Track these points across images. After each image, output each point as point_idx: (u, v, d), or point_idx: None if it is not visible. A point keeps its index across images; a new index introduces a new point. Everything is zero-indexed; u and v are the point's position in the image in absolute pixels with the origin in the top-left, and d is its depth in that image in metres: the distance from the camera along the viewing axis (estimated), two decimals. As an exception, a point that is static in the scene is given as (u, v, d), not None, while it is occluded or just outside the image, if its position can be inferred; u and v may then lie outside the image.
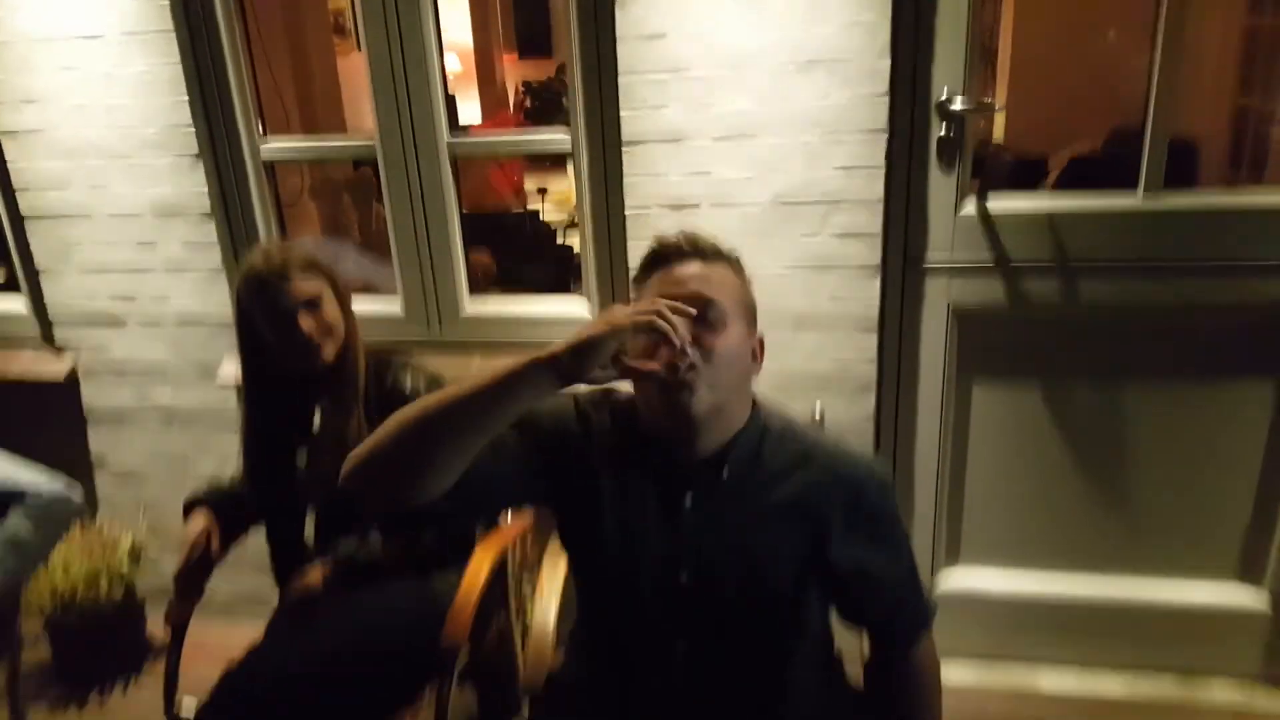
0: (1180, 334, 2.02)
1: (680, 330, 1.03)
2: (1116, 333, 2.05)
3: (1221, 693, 2.16)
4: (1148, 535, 2.16)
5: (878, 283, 2.04)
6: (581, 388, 1.18)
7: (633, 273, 2.07)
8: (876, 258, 2.02)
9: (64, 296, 2.50)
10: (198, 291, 2.43)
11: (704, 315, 1.10)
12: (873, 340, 2.09)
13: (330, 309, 1.66)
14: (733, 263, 1.21)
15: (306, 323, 1.61)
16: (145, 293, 2.46)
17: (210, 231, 2.37)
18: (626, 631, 1.23)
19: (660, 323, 1.01)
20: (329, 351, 1.65)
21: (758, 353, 1.20)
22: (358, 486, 1.08)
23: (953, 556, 2.29)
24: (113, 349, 2.53)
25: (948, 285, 2.09)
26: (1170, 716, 2.11)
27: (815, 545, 1.16)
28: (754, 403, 1.22)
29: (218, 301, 2.42)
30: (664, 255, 1.17)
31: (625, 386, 1.19)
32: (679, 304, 1.05)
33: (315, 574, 1.66)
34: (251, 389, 1.75)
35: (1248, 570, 2.15)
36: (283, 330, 1.62)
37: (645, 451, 1.18)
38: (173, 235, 2.39)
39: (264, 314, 1.62)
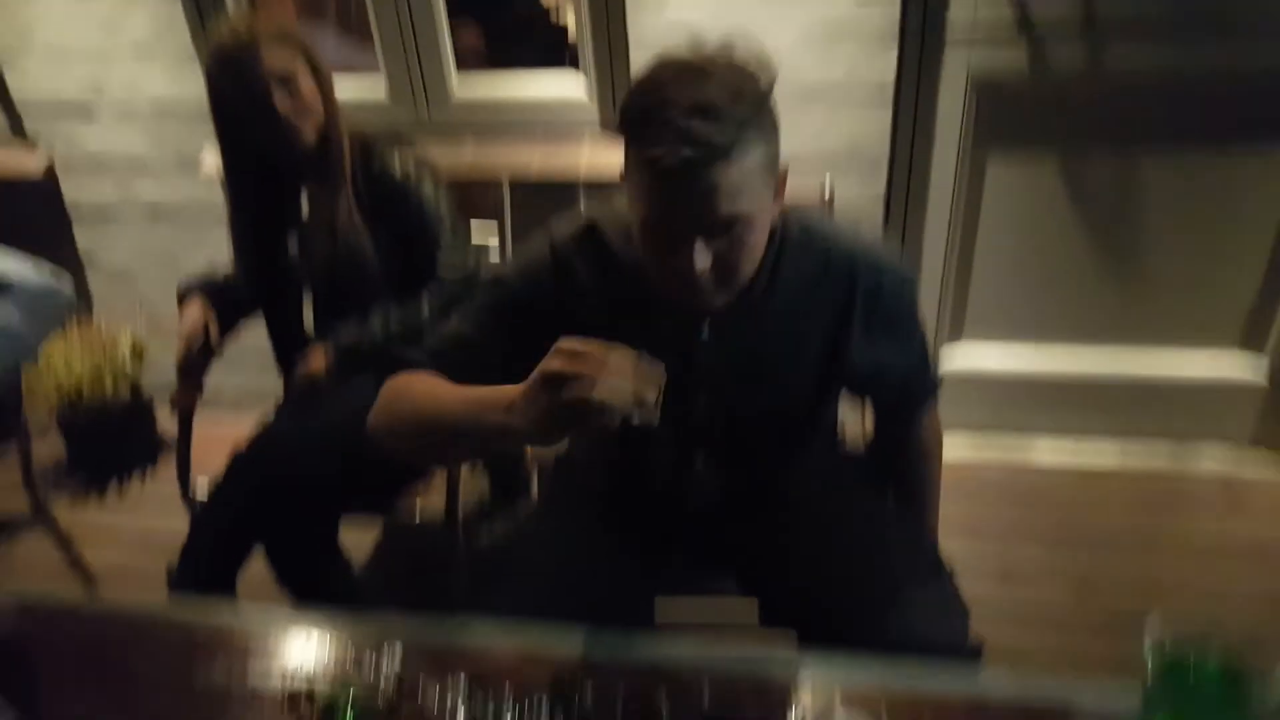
0: (1203, 101, 1.94)
1: (651, 395, 0.86)
2: (1138, 101, 1.96)
3: (1212, 460, 2.24)
4: (1154, 305, 2.18)
5: (894, 53, 1.93)
6: (558, 226, 1.12)
7: (633, 51, 2.01)
8: (895, 25, 1.90)
9: (30, 85, 2.35)
10: (170, 77, 2.29)
11: (724, 231, 0.94)
12: (887, 115, 2.00)
13: (306, 85, 1.54)
14: (758, 110, 0.92)
15: (282, 101, 1.50)
16: (114, 80, 2.31)
17: (177, 11, 2.20)
18: (637, 443, 1.15)
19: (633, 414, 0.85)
20: (308, 131, 1.54)
21: (780, 191, 1.02)
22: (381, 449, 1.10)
23: (956, 332, 2.32)
24: (88, 142, 2.42)
25: (967, 55, 1.98)
26: (1161, 484, 2.20)
27: (835, 352, 1.12)
28: None
29: (192, 88, 2.27)
30: (658, 159, 0.90)
31: (618, 203, 1.06)
32: (645, 375, 0.86)
33: (317, 358, 1.64)
34: (233, 176, 1.67)
35: (1251, 338, 2.18)
36: (257, 109, 1.51)
37: (650, 295, 1.04)
38: (137, 16, 2.22)
39: (236, 92, 1.51)
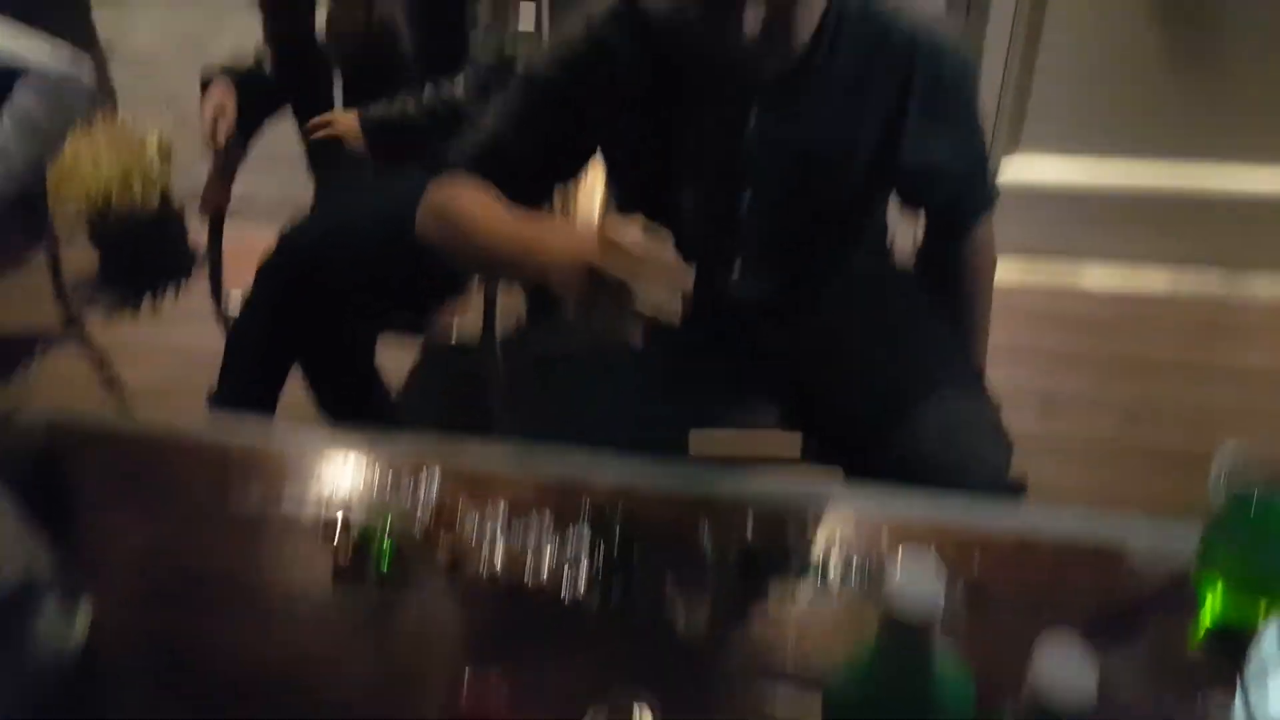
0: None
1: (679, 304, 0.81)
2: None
3: (1266, 287, 2.12)
4: (1224, 115, 2.00)
5: None
6: (594, 4, 1.02)
7: None
8: None
9: None
10: None
11: None
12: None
13: None
14: None
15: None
16: None
17: None
18: (677, 247, 1.13)
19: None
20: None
21: None
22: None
23: (1013, 143, 2.16)
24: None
25: None
26: (1211, 310, 2.10)
27: (889, 140, 1.05)
28: None
29: None
30: None
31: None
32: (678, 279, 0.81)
33: (348, 120, 1.58)
34: None
35: None
36: None
37: (695, 69, 0.99)
38: None
39: None
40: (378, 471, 0.96)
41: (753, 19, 0.87)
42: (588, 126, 1.07)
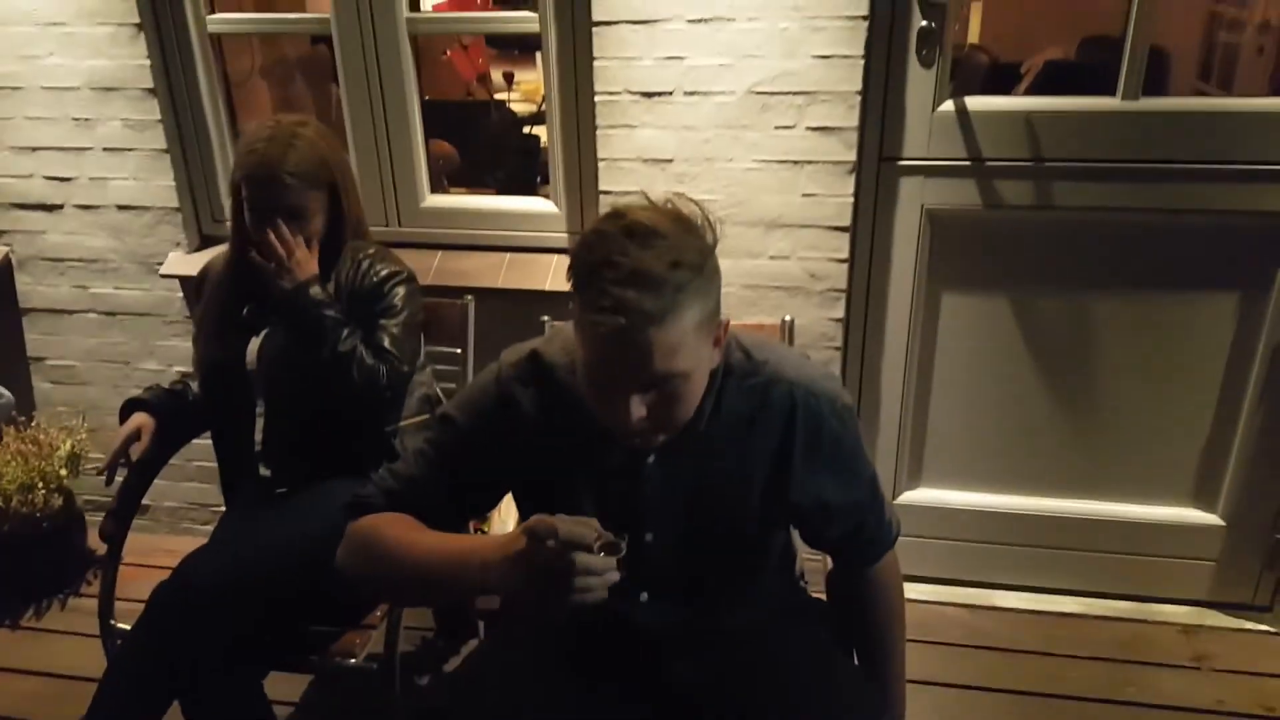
0: (1150, 240, 2.02)
1: (607, 575, 0.90)
2: (1087, 238, 2.04)
3: (1174, 616, 2.21)
4: (1106, 456, 2.19)
5: (853, 180, 1.99)
6: (506, 356, 1.16)
7: (602, 165, 2.06)
8: (852, 154, 1.97)
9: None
10: (140, 174, 2.29)
11: (660, 385, 0.97)
12: (845, 241, 2.05)
13: (315, 223, 1.61)
14: (698, 273, 0.95)
15: (281, 233, 1.56)
16: (83, 174, 2.32)
17: (153, 108, 2.23)
18: None
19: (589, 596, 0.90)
20: (301, 259, 1.58)
21: (721, 340, 1.05)
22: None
23: (914, 479, 2.31)
24: (49, 236, 2.39)
25: (922, 186, 2.05)
26: (1122, 630, 2.17)
27: (778, 485, 1.12)
28: None
29: (160, 186, 2.29)
30: (594, 323, 0.93)
31: (565, 329, 1.10)
32: (604, 544, 0.91)
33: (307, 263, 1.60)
34: (234, 256, 1.67)
35: (1201, 496, 2.19)
36: (258, 227, 1.57)
37: (595, 429, 1.05)
38: (112, 112, 2.24)
39: (248, 202, 1.57)
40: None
41: (637, 409, 0.96)
42: (496, 468, 1.14)
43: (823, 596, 1.38)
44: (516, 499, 1.21)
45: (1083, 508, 2.24)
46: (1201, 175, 1.94)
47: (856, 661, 1.29)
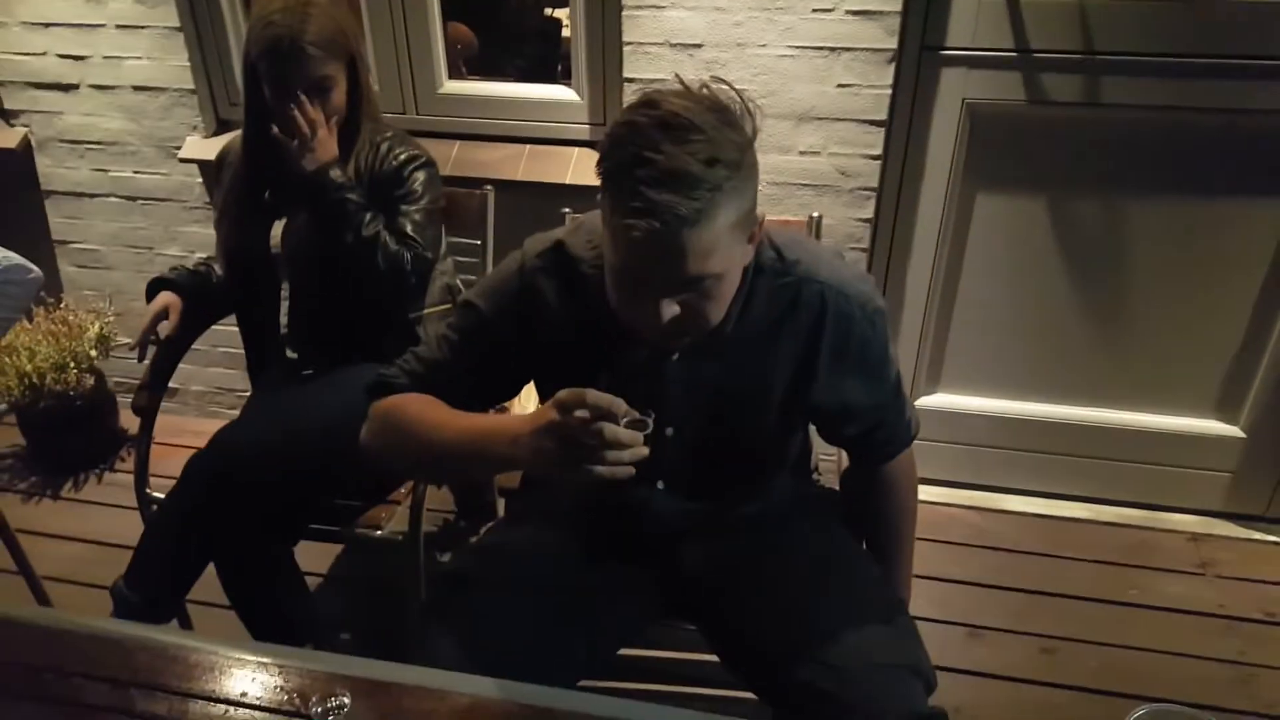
0: (1199, 144, 1.92)
1: (634, 448, 0.88)
2: (1133, 139, 1.95)
3: (1183, 525, 2.23)
4: (1134, 365, 2.15)
5: (892, 70, 1.90)
6: (529, 246, 1.13)
7: (627, 50, 1.98)
8: (893, 41, 1.87)
9: (8, 52, 2.29)
10: (154, 53, 2.23)
11: (692, 287, 0.94)
12: (879, 136, 1.97)
13: (338, 94, 1.55)
14: (735, 170, 0.90)
15: (306, 110, 1.50)
16: (96, 52, 2.26)
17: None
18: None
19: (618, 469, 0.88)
20: (323, 138, 1.53)
21: (756, 236, 1.01)
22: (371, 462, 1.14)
23: (933, 384, 2.30)
24: (67, 117, 2.36)
25: (965, 78, 1.95)
26: (1130, 536, 2.20)
27: (802, 385, 1.11)
28: None
29: (174, 66, 2.24)
30: (627, 226, 0.89)
31: (589, 219, 1.06)
32: (631, 420, 0.88)
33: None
34: (249, 145, 1.63)
35: (1224, 407, 2.17)
36: (280, 103, 1.51)
37: (618, 327, 1.02)
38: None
39: (267, 79, 1.52)
40: (287, 685, 0.93)
41: (668, 311, 0.94)
42: (518, 356, 1.13)
43: (835, 487, 1.40)
44: (539, 389, 1.21)
45: (1102, 416, 2.23)
46: (1262, 73, 1.82)
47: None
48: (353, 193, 1.54)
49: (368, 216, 1.54)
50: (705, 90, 0.93)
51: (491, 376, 1.16)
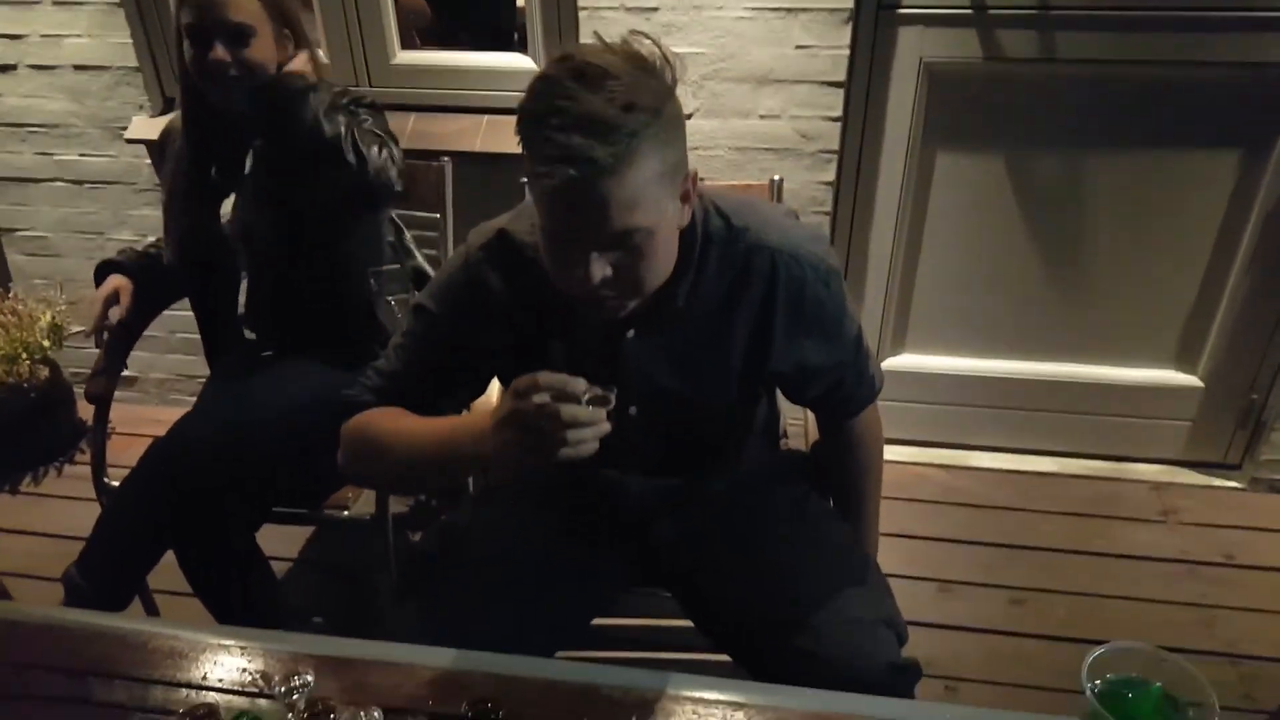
0: (1153, 97, 1.94)
1: (596, 425, 0.86)
2: (1088, 94, 1.96)
3: (1146, 474, 2.28)
4: (1094, 318, 2.18)
5: (849, 30, 1.89)
6: (472, 238, 1.11)
7: (583, 16, 1.94)
8: (850, 0, 1.86)
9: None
10: (95, 30, 2.16)
11: (621, 243, 0.91)
12: (838, 98, 1.96)
13: (263, 46, 1.45)
14: (655, 118, 0.88)
15: (219, 53, 1.42)
16: (34, 30, 2.18)
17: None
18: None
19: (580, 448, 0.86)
20: (242, 90, 1.45)
21: (689, 194, 0.99)
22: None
23: (898, 345, 2.31)
24: (6, 99, 2.28)
25: (921, 36, 1.94)
26: (1096, 487, 2.24)
27: (760, 353, 1.10)
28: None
29: (116, 44, 2.17)
30: (542, 176, 0.87)
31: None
32: (592, 397, 0.86)
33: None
34: (189, 125, 1.57)
35: (1182, 358, 2.21)
36: (198, 52, 1.43)
37: (570, 305, 1.00)
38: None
39: (187, 32, 1.44)
40: (252, 665, 0.92)
41: (598, 270, 0.91)
42: (475, 352, 1.12)
43: (803, 448, 1.40)
44: (502, 381, 1.19)
45: (1064, 370, 2.26)
46: (1216, 25, 1.84)
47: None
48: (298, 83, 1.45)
49: (323, 111, 1.43)
50: (624, 43, 0.91)
51: (454, 376, 1.15)
